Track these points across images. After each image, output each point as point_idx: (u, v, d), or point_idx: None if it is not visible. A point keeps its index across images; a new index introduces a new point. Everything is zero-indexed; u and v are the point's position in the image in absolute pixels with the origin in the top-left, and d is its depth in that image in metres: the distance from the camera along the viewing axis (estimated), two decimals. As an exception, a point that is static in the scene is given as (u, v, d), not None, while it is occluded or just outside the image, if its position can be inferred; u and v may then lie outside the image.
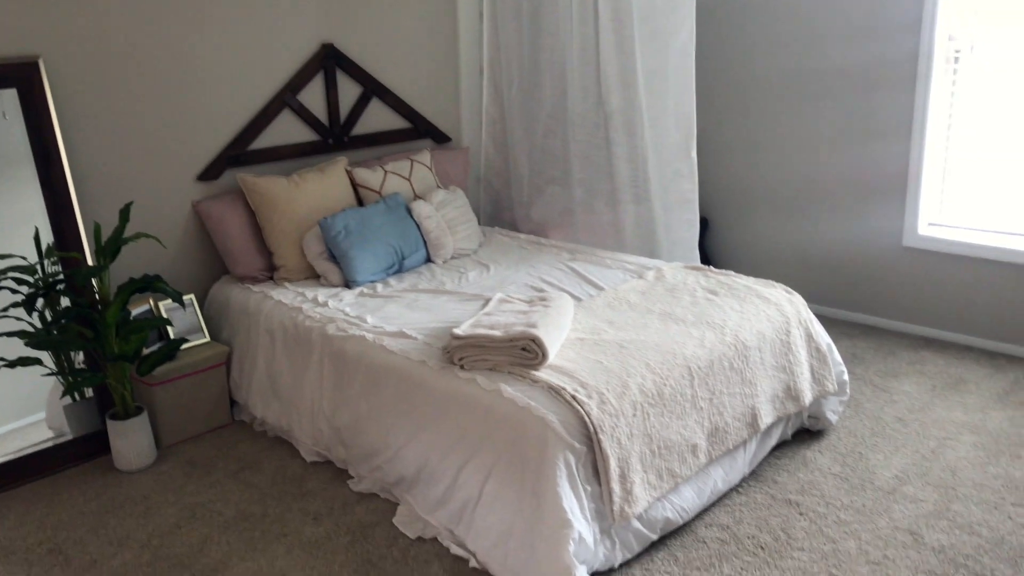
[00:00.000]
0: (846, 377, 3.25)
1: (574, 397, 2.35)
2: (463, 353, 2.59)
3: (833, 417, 3.21)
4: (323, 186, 3.69)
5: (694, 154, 3.84)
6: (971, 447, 3.08)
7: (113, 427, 3.05)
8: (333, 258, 3.53)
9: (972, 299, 3.96)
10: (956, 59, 3.86)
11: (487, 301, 3.11)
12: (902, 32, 3.90)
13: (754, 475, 2.93)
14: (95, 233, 2.97)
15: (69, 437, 3.19)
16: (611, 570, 2.40)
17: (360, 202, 3.84)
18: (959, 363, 3.82)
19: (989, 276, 3.89)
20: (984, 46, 3.76)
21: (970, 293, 3.97)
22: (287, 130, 3.85)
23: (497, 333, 2.57)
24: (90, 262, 3.18)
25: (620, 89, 3.95)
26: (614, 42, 3.89)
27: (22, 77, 3.00)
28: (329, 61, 3.91)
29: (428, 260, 3.80)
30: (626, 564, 2.45)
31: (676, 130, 3.86)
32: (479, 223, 4.45)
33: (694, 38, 3.66)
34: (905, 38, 3.89)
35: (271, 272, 3.61)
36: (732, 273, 3.40)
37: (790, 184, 4.50)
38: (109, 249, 2.97)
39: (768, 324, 2.98)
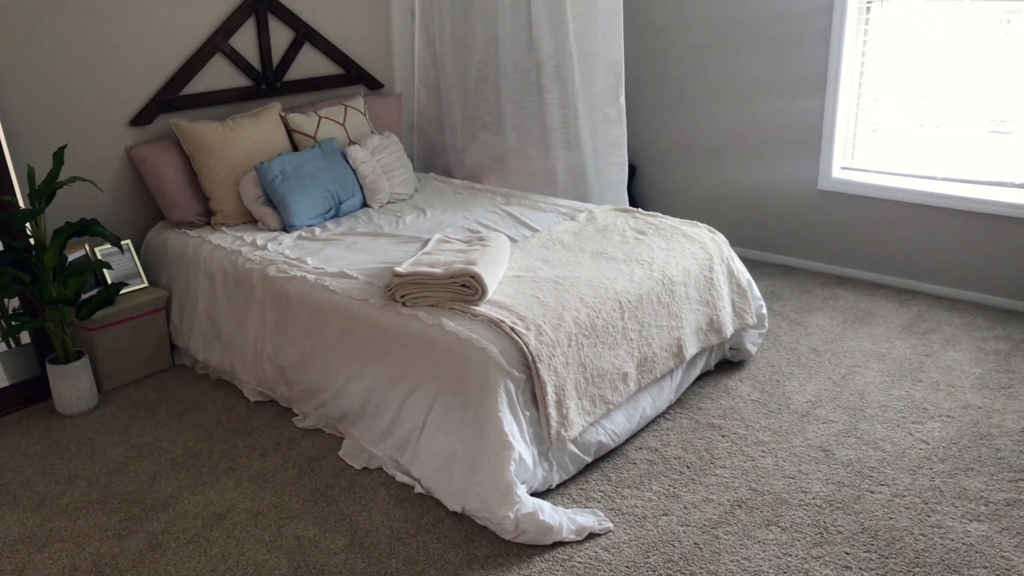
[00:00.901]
0: (765, 311, 3.46)
1: (513, 329, 2.48)
2: (405, 291, 2.69)
3: (752, 348, 3.43)
4: (258, 131, 3.70)
5: (622, 100, 3.96)
6: (877, 373, 3.33)
7: (54, 371, 3.06)
8: (270, 203, 3.56)
9: (882, 239, 4.22)
10: (868, 9, 4.05)
11: (426, 242, 3.20)
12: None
13: (680, 402, 3.12)
14: (29, 176, 2.94)
15: (4, 384, 3.18)
16: (549, 490, 2.56)
17: (295, 147, 3.86)
18: (869, 299, 4.08)
19: (897, 217, 4.14)
20: (894, -3, 3.96)
21: (880, 233, 4.22)
22: (220, 75, 3.82)
23: (438, 271, 2.67)
24: (23, 206, 3.15)
25: (551, 35, 4.03)
26: (545, -12, 3.96)
27: (-57, 17, 2.92)
28: (260, 5, 3.89)
29: (364, 205, 3.85)
30: (563, 485, 2.61)
31: (605, 75, 3.96)
32: (414, 169, 4.51)
33: (623, -13, 3.76)
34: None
35: (208, 217, 3.62)
36: (659, 215, 3.56)
37: (713, 132, 4.68)
38: (44, 192, 2.95)
39: (693, 261, 3.16)
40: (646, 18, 4.70)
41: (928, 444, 2.81)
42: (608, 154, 4.10)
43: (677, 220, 3.48)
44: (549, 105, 4.16)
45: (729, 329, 3.22)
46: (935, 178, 4.03)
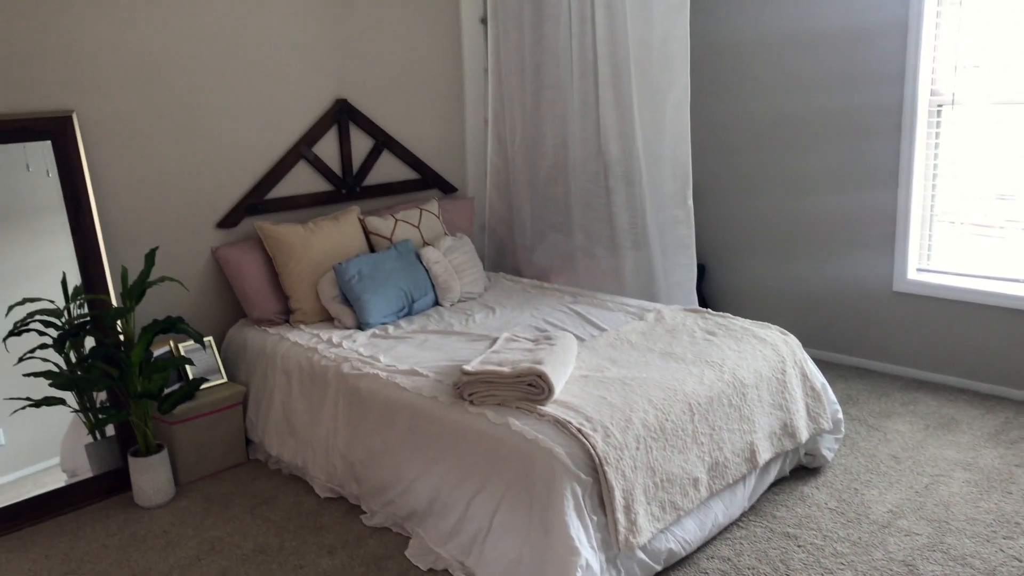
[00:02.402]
0: (841, 416, 3.37)
1: (580, 430, 2.48)
2: (473, 389, 2.72)
3: (829, 454, 3.33)
4: (337, 233, 3.85)
5: (690, 202, 4.00)
6: (963, 483, 3.19)
7: (135, 464, 3.17)
8: (347, 301, 3.67)
9: (963, 342, 4.10)
10: (939, 112, 4.05)
11: (494, 340, 3.25)
12: (886, 84, 4.09)
13: (753, 509, 3.03)
14: (122, 276, 3.12)
15: (87, 476, 3.29)
16: (616, 598, 2.50)
17: (372, 249, 4.00)
18: (951, 404, 3.94)
19: (978, 320, 4.03)
20: (965, 100, 3.95)
21: (961, 336, 4.10)
22: (303, 180, 4.02)
23: (505, 369, 2.71)
24: (115, 304, 3.32)
25: (618, 140, 4.13)
26: (612, 96, 4.08)
27: (57, 130, 3.18)
28: (343, 115, 4.11)
29: (436, 303, 3.94)
30: (631, 592, 2.54)
31: (672, 179, 4.03)
32: (484, 268, 4.61)
33: (688, 92, 3.85)
34: (889, 90, 4.09)
35: (287, 315, 3.75)
36: (729, 315, 3.54)
37: (783, 229, 4.67)
38: (135, 291, 3.12)
39: (764, 363, 3.12)
40: (713, 116, 4.78)
41: (1021, 562, 2.66)
42: (676, 254, 4.13)
43: (748, 321, 3.46)
44: (617, 206, 4.24)
45: (804, 434, 3.14)
46: (1018, 280, 3.92)
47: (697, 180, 4.67)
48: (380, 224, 4.03)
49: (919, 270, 4.24)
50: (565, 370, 2.82)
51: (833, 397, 3.36)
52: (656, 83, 3.95)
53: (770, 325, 3.43)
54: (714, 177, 4.88)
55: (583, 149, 4.30)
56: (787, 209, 4.63)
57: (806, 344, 4.56)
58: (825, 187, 4.45)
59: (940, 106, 4.04)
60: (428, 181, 4.56)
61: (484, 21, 4.65)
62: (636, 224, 4.21)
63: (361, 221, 4.02)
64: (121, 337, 3.17)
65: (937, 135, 4.08)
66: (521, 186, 4.64)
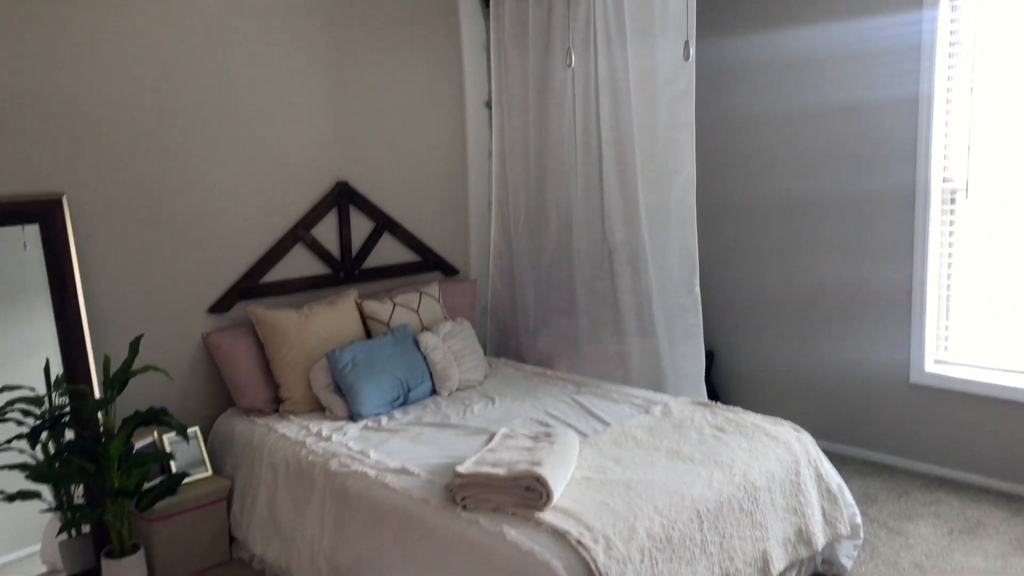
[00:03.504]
0: (859, 520, 3.17)
1: (579, 542, 2.30)
2: (466, 492, 2.56)
3: (847, 562, 3.12)
4: (333, 318, 3.74)
5: (697, 290, 3.88)
6: (992, 595, 2.97)
7: (108, 566, 2.98)
8: (339, 390, 3.53)
9: (986, 439, 3.91)
10: (952, 199, 3.95)
11: (491, 436, 3.09)
12: (898, 169, 4.01)
13: (767, 624, 2.81)
14: (104, 365, 2.99)
15: (64, 574, 3.11)
16: None
17: (369, 334, 3.88)
18: (976, 505, 3.73)
19: (1000, 415, 3.85)
20: (979, 188, 3.86)
21: (983, 432, 3.92)
22: (300, 263, 3.93)
23: (500, 471, 2.54)
24: (98, 394, 3.19)
25: (623, 225, 4.05)
26: (617, 181, 4.02)
27: (45, 213, 3.10)
28: (343, 198, 4.04)
29: (434, 392, 3.79)
30: None
31: (679, 266, 3.92)
32: (485, 354, 4.48)
33: (694, 179, 3.77)
34: (902, 175, 4.00)
35: (277, 404, 3.61)
36: (739, 409, 3.38)
37: (795, 314, 4.53)
38: (117, 381, 2.99)
39: (777, 464, 2.94)
40: (721, 195, 4.69)
41: None
42: (683, 343, 3.99)
43: (759, 417, 3.29)
44: (622, 292, 4.13)
45: (820, 540, 2.94)
46: (1040, 374, 3.77)
47: (706, 262, 4.55)
48: (378, 308, 3.92)
49: (936, 362, 4.08)
50: (565, 472, 2.65)
51: (851, 499, 3.16)
52: (661, 169, 3.88)
53: (782, 421, 3.26)
54: (723, 259, 4.77)
55: (588, 233, 4.22)
56: (798, 293, 4.51)
57: (820, 436, 4.36)
58: (837, 271, 4.33)
59: (954, 192, 3.94)
60: (429, 263, 4.46)
61: (489, 105, 4.63)
62: (642, 310, 4.09)
63: (358, 305, 3.91)
64: (101, 429, 3.03)
65: (952, 222, 3.97)
66: (525, 269, 4.55)
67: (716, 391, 4.83)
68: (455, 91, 4.52)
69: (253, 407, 3.56)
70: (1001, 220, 3.83)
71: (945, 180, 3.94)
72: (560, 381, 3.94)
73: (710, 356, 4.78)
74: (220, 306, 3.66)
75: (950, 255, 4.00)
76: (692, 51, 2.42)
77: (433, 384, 3.79)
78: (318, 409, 3.59)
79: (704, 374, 4.01)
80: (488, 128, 4.65)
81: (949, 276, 4.01)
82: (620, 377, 4.14)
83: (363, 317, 3.89)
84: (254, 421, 3.50)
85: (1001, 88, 3.75)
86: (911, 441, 4.16)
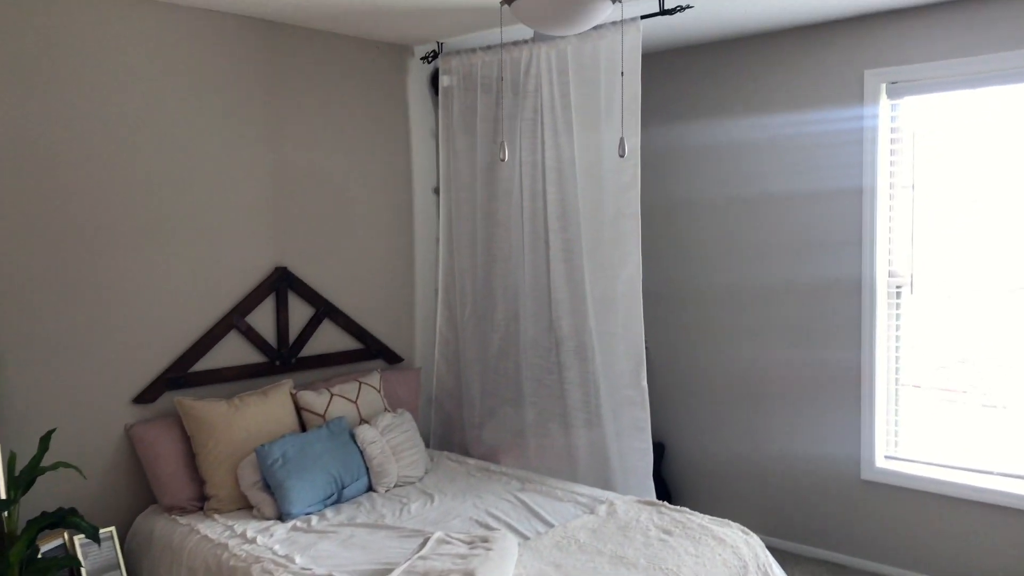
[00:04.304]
0: (811, 628, 3.04)
1: (510, 664, 2.14)
2: (393, 606, 2.38)
3: (799, 674, 2.97)
4: (265, 410, 3.57)
5: (644, 382, 3.80)
6: None
7: None
8: (268, 488, 3.34)
9: (938, 538, 3.82)
10: (898, 293, 3.95)
11: (425, 540, 2.92)
12: (844, 261, 4.01)
13: None
14: (8, 463, 2.79)
15: None
16: None
17: (303, 426, 3.71)
18: (930, 607, 3.61)
19: (952, 513, 3.77)
20: (925, 282, 3.87)
21: (935, 531, 3.83)
22: (233, 351, 3.77)
23: (431, 584, 2.38)
24: (2, 494, 2.96)
25: (570, 316, 3.99)
26: (564, 271, 3.97)
27: (-44, 299, 2.93)
28: (282, 283, 3.92)
29: (370, 489, 3.62)
30: None
31: (626, 358, 3.84)
32: (428, 446, 4.32)
33: (640, 270, 3.73)
34: (848, 268, 4.00)
35: (201, 502, 3.40)
36: (687, 510, 3.26)
37: (746, 407, 4.46)
38: (23, 481, 2.78)
39: (725, 569, 2.82)
40: (667, 289, 4.65)
41: None
42: (631, 437, 3.88)
43: (707, 518, 3.17)
44: (569, 383, 4.04)
45: (770, 652, 2.80)
46: (990, 472, 3.71)
47: (654, 350, 4.51)
48: (314, 399, 3.76)
49: (887, 457, 4.01)
50: (500, 582, 2.49)
51: (802, 606, 3.04)
52: (608, 259, 3.84)
53: (731, 523, 3.15)
54: (672, 347, 4.70)
55: (535, 323, 4.15)
56: (748, 383, 4.44)
57: (771, 533, 4.26)
58: (786, 361, 4.27)
59: (899, 286, 3.95)
60: (372, 351, 4.33)
61: (436, 191, 4.59)
62: (589, 402, 3.99)
63: (293, 396, 3.74)
64: (4, 532, 2.80)
65: (898, 315, 3.97)
66: (471, 358, 4.44)
67: (667, 485, 4.70)
68: (403, 176, 4.47)
69: (175, 505, 3.35)
70: (947, 314, 3.84)
71: (891, 275, 3.94)
72: (504, 477, 3.79)
73: (660, 448, 4.67)
74: (146, 396, 3.48)
75: (897, 348, 3.98)
76: (628, 147, 2.40)
77: (369, 480, 3.61)
78: (245, 507, 3.38)
79: (652, 469, 3.89)
80: (435, 214, 4.59)
81: (897, 370, 3.99)
82: (567, 471, 4.01)
83: (298, 409, 3.73)
84: (176, 520, 3.29)
85: (941, 185, 3.80)
86: (864, 540, 4.06)
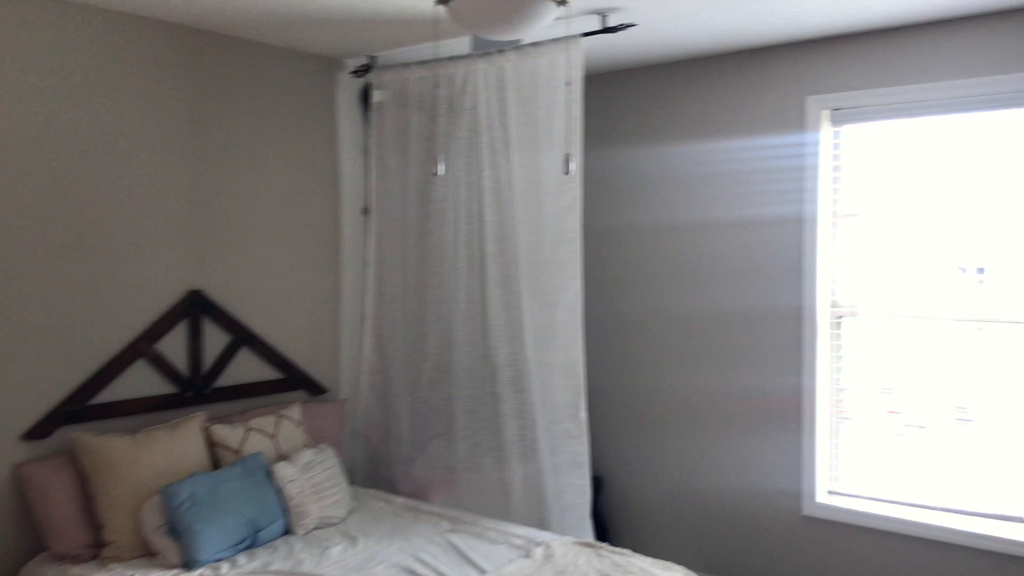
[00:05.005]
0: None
1: None
2: (307, 671, 2.13)
3: None
4: (173, 446, 3.27)
5: (583, 414, 3.62)
6: None
7: None
8: (174, 532, 3.04)
9: (880, 574, 3.72)
10: (839, 324, 3.88)
11: (347, 592, 2.67)
12: (786, 289, 3.92)
13: None
14: None
15: None
16: None
17: (216, 464, 3.42)
18: (874, 649, 3.50)
19: (894, 551, 3.68)
20: (867, 312, 3.80)
21: (877, 568, 3.73)
22: (140, 382, 3.46)
23: (350, 646, 2.13)
24: None
25: (507, 344, 3.80)
26: (501, 297, 3.79)
27: None
28: (195, 308, 3.63)
29: (288, 531, 3.34)
30: None
31: (565, 389, 3.67)
32: (353, 483, 4.05)
33: (581, 297, 3.56)
34: (789, 297, 3.91)
35: (97, 549, 3.07)
36: (628, 552, 3.09)
37: (686, 439, 4.31)
38: None
39: (668, 619, 2.63)
40: (606, 316, 4.50)
41: None
42: (569, 473, 3.69)
43: (648, 561, 3.00)
44: (505, 415, 3.84)
45: None
46: (933, 508, 3.63)
47: (591, 379, 4.34)
48: (228, 434, 3.47)
49: (829, 492, 3.91)
50: (427, 641, 2.26)
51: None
52: (547, 285, 3.67)
53: (673, 566, 2.98)
54: (609, 376, 4.53)
55: (469, 352, 3.94)
56: (688, 414, 4.29)
57: (713, 571, 4.11)
58: (727, 392, 4.13)
59: (840, 317, 3.87)
60: (293, 381, 4.05)
61: (366, 212, 4.36)
62: (525, 436, 3.79)
63: (205, 430, 3.45)
64: None
65: (839, 347, 3.89)
66: (401, 389, 4.20)
67: (604, 521, 4.51)
68: (330, 195, 4.23)
69: (67, 553, 3.02)
70: (888, 345, 3.78)
71: (833, 304, 3.87)
72: (434, 517, 3.56)
73: (598, 482, 4.49)
74: (38, 432, 3.14)
75: (839, 379, 3.90)
76: (572, 166, 2.23)
77: (287, 522, 3.34)
78: (147, 555, 3.07)
79: (591, 506, 3.71)
80: (365, 236, 4.36)
81: (839, 402, 3.90)
82: (501, 509, 3.79)
83: (210, 444, 3.43)
84: (66, 571, 2.96)
85: (884, 214, 3.74)
86: (806, 577, 3.94)
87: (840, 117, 3.78)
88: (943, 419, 3.65)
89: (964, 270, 3.63)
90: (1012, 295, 3.47)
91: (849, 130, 3.79)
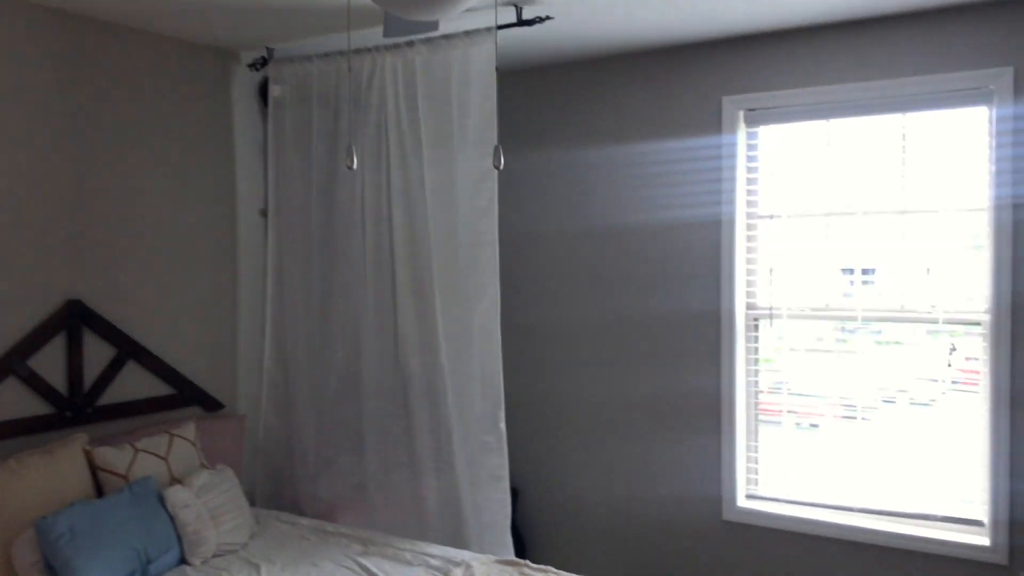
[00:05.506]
0: None
1: None
2: None
3: None
4: (50, 472, 2.93)
5: (502, 426, 3.47)
6: None
7: None
8: (52, 569, 2.72)
9: (800, 577, 3.71)
10: (756, 326, 3.85)
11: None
12: (704, 292, 3.87)
13: None
14: None
15: None
16: None
17: (100, 491, 3.09)
18: (796, 654, 3.46)
19: (814, 553, 3.67)
20: (784, 315, 3.79)
21: (796, 571, 3.70)
22: (10, 402, 3.11)
23: None
24: None
25: (420, 354, 3.61)
26: (413, 305, 3.60)
27: None
28: (75, 320, 3.30)
29: (183, 561, 3.05)
30: None
31: (482, 399, 3.50)
32: (254, 505, 3.77)
33: (499, 303, 3.41)
34: (707, 300, 3.86)
35: (-42, 594, 2.73)
36: (551, 570, 2.96)
37: (607, 452, 4.21)
38: None
39: (599, 640, 2.50)
40: (521, 322, 4.34)
41: None
42: (488, 487, 3.53)
43: (573, 579, 2.87)
44: (418, 429, 3.65)
45: None
46: (850, 509, 3.64)
47: (506, 388, 4.19)
48: (113, 457, 3.15)
49: (748, 496, 3.87)
50: None
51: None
52: (463, 291, 3.50)
53: (599, 582, 2.85)
54: (525, 384, 4.38)
55: (379, 362, 3.73)
56: (606, 421, 4.19)
57: (633, 582, 4.03)
58: (646, 397, 4.05)
59: (756, 319, 3.85)
60: (186, 397, 3.75)
61: (265, 214, 4.08)
62: (441, 450, 3.62)
63: (88, 454, 3.12)
64: None
65: (757, 350, 3.86)
66: (305, 403, 3.95)
67: (521, 535, 4.36)
68: (226, 197, 3.95)
69: (-78, 600, 2.67)
70: (805, 347, 3.77)
71: (750, 307, 3.84)
72: (343, 539, 3.33)
73: (514, 494, 4.33)
74: None
75: (757, 383, 3.87)
76: (502, 159, 2.08)
77: (182, 552, 3.05)
78: (19, 597, 2.74)
79: (510, 522, 3.55)
80: (264, 240, 4.08)
81: (757, 405, 3.87)
82: (415, 528, 3.60)
83: (93, 469, 3.11)
84: (-77, 620, 2.61)
85: (799, 216, 3.73)
86: (727, 584, 3.89)
87: (755, 118, 3.76)
88: (853, 419, 3.66)
89: (867, 271, 3.66)
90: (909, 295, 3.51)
91: (765, 131, 3.77)
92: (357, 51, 3.65)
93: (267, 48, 3.91)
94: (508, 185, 4.10)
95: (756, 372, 3.86)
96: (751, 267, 3.84)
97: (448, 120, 3.47)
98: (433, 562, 3.07)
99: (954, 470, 3.46)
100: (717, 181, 3.79)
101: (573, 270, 4.26)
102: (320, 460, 3.90)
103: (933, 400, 3.55)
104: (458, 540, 3.50)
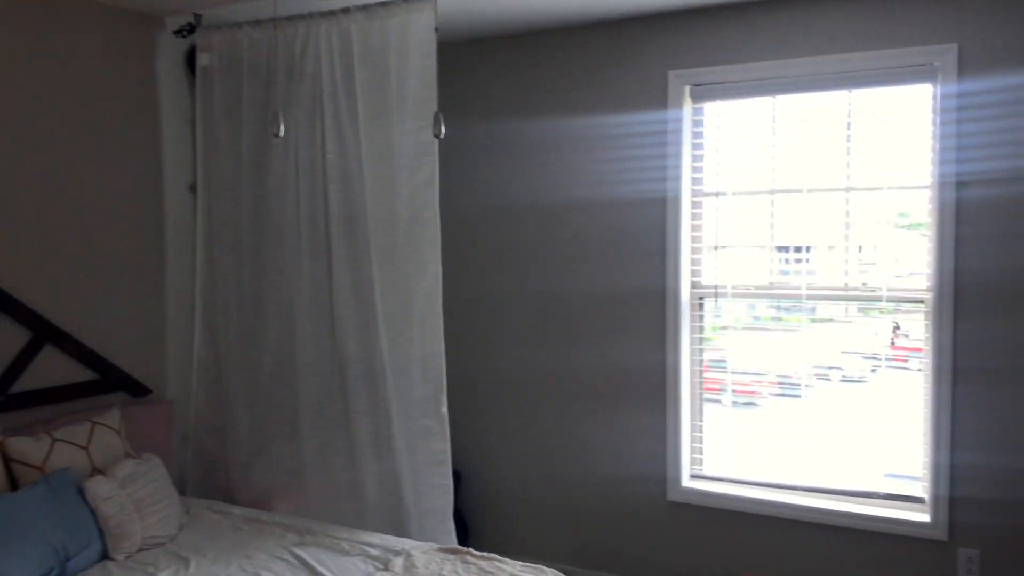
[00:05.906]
0: None
1: None
2: None
3: None
4: (-44, 465, 2.74)
5: (444, 409, 3.37)
6: None
7: None
8: (-41, 569, 2.54)
9: (745, 558, 3.69)
10: (701, 304, 3.81)
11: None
12: (648, 270, 3.82)
13: None
14: None
15: None
16: None
17: (14, 484, 2.90)
18: (741, 634, 3.45)
19: (758, 532, 3.67)
20: (729, 294, 3.75)
21: (742, 551, 3.70)
22: (-89, 390, 2.89)
23: None
24: None
25: (358, 335, 3.47)
26: (350, 284, 3.46)
27: None
28: (-17, 301, 3.08)
29: (105, 557, 2.88)
30: None
31: (424, 382, 3.39)
32: (185, 494, 3.61)
33: (440, 282, 3.29)
34: (652, 278, 3.81)
35: None
36: (496, 557, 2.87)
37: (550, 432, 4.14)
38: None
39: (543, 628, 2.43)
40: (459, 298, 4.23)
41: None
42: (429, 473, 3.42)
43: (518, 565, 2.80)
44: (356, 412, 3.52)
45: None
46: (795, 488, 3.63)
47: (451, 377, 4.08)
48: (28, 447, 2.95)
49: (693, 476, 3.85)
50: None
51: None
52: (403, 270, 3.37)
53: (544, 569, 2.79)
54: (464, 363, 4.27)
55: (315, 345, 3.58)
56: (551, 404, 4.12)
57: (583, 565, 3.98)
58: (591, 375, 4.00)
59: (702, 298, 3.81)
60: (110, 382, 3.55)
61: (193, 189, 3.88)
62: (380, 434, 3.49)
63: (0, 444, 2.92)
64: None
65: (702, 328, 3.83)
66: (237, 387, 3.78)
67: (464, 520, 4.27)
68: (151, 171, 3.74)
69: None
70: (749, 326, 3.76)
71: (694, 285, 3.79)
72: (278, 528, 3.20)
73: (456, 478, 4.24)
74: None
75: (701, 361, 3.84)
76: (443, 127, 1.96)
77: (104, 546, 2.88)
78: (-78, 600, 2.55)
79: (452, 508, 3.46)
80: (193, 216, 3.89)
81: (702, 384, 3.84)
82: (353, 514, 3.48)
83: (6, 460, 2.91)
84: None
85: (744, 193, 3.69)
86: (674, 565, 3.86)
87: (701, 93, 3.70)
88: (789, 397, 3.66)
89: (799, 249, 3.65)
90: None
91: (711, 108, 3.71)
92: (290, 18, 3.47)
93: (194, 14, 3.70)
94: (450, 159, 3.98)
95: (701, 351, 3.82)
96: (696, 245, 3.79)
97: (386, 90, 3.32)
98: (372, 551, 2.95)
99: (893, 447, 3.48)
100: (662, 157, 3.73)
101: (515, 246, 4.17)
102: (254, 446, 3.75)
103: (867, 377, 3.57)
104: (398, 528, 3.40)
